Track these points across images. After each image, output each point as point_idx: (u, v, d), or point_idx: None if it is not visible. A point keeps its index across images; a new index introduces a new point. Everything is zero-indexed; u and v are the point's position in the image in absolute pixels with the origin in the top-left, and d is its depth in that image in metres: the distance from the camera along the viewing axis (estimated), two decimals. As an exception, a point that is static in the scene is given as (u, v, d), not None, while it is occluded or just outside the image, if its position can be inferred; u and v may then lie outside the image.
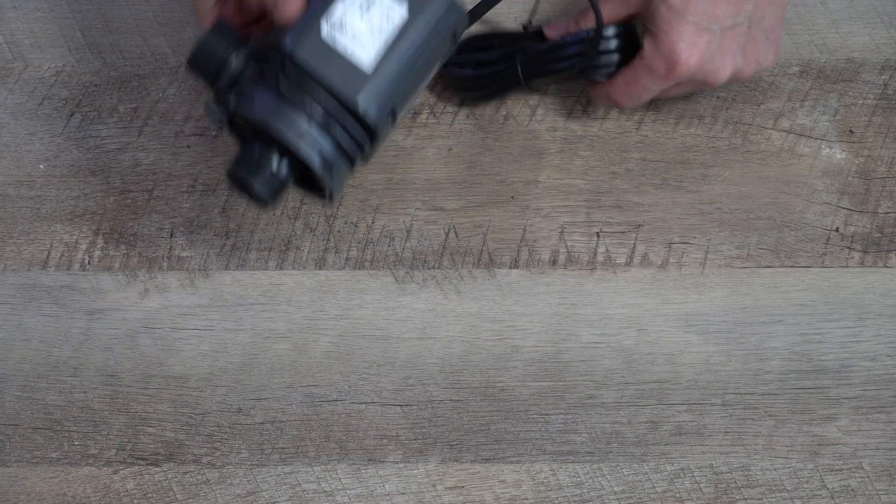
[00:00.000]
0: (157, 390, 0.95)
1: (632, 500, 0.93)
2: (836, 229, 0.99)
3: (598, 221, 0.99)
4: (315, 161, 0.86)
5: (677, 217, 0.99)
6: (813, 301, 0.97)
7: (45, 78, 1.03)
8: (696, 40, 0.93)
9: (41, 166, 1.01)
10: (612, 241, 0.99)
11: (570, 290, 0.97)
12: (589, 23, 0.97)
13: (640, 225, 0.99)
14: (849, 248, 0.99)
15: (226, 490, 0.93)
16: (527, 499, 0.93)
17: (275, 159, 0.87)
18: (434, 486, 0.93)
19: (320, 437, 0.94)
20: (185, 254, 0.99)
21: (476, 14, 0.97)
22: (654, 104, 1.02)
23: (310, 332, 0.97)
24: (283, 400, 0.95)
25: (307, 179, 0.89)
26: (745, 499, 0.93)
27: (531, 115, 1.02)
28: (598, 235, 0.99)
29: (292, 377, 0.96)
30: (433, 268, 0.98)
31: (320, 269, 0.98)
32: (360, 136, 0.87)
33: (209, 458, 0.94)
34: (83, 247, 0.99)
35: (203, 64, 0.87)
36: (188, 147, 1.01)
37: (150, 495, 0.93)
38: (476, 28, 1.02)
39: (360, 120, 0.86)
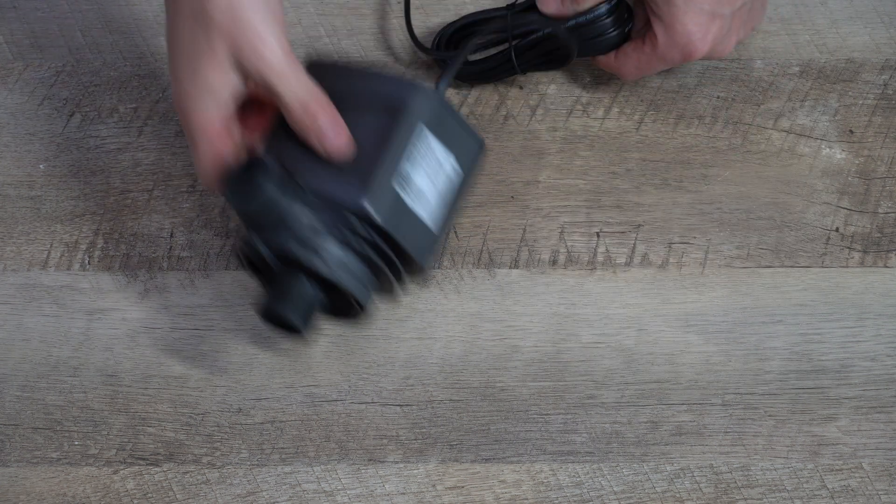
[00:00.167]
0: (157, 390, 0.95)
1: (632, 500, 0.93)
2: (836, 229, 0.99)
3: (598, 221, 0.99)
4: (365, 301, 0.88)
5: (677, 217, 0.99)
6: (813, 301, 0.97)
7: (45, 78, 1.03)
8: (709, 28, 0.94)
9: (41, 166, 1.01)
10: (612, 241, 0.99)
11: (570, 290, 0.97)
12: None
13: (640, 225, 0.99)
14: (849, 248, 0.99)
15: (226, 490, 0.93)
16: (527, 499, 0.93)
17: (309, 290, 0.87)
18: (434, 486, 0.93)
19: (320, 437, 0.94)
20: (185, 254, 0.99)
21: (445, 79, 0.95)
22: (654, 104, 1.02)
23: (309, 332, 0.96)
24: (283, 400, 0.95)
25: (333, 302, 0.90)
26: (745, 499, 0.93)
27: (531, 115, 1.02)
28: (598, 235, 0.99)
29: (292, 377, 0.96)
30: (433, 268, 0.98)
31: (320, 269, 0.98)
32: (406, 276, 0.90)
33: (209, 458, 0.94)
34: (83, 247, 0.99)
35: (265, 214, 0.84)
36: (188, 147, 1.01)
37: (150, 495, 0.93)
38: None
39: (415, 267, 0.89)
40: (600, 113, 1.02)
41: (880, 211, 1.00)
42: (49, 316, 0.97)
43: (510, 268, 0.98)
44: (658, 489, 0.93)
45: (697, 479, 0.93)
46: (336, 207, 0.85)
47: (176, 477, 0.94)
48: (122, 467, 0.94)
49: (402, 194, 0.86)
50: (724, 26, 0.95)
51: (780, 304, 0.97)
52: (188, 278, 0.98)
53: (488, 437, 0.94)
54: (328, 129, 0.85)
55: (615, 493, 0.93)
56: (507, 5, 1.01)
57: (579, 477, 0.93)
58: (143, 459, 0.94)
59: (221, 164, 0.86)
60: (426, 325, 0.96)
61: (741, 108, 1.02)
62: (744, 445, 0.94)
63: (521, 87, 1.02)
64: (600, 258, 0.98)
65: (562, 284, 0.97)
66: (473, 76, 1.01)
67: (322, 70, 0.88)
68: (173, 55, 0.85)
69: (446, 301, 0.97)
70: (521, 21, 0.99)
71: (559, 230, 0.99)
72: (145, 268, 0.98)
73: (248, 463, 0.94)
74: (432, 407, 0.94)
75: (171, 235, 0.99)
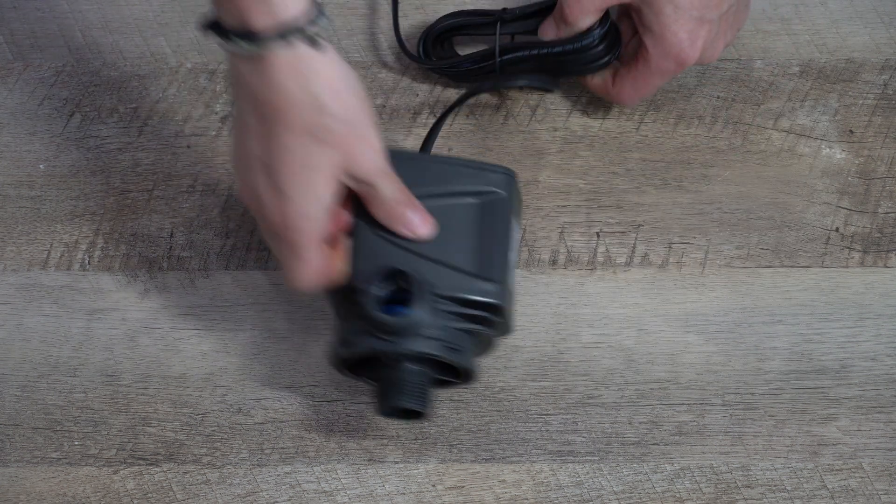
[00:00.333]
0: (157, 390, 0.95)
1: (632, 500, 0.93)
2: (836, 229, 0.99)
3: (598, 221, 0.99)
4: (476, 369, 0.90)
5: (677, 217, 0.99)
6: (813, 301, 0.97)
7: (45, 78, 1.03)
8: (698, 33, 0.94)
9: (41, 166, 1.01)
10: (612, 241, 0.99)
11: (570, 290, 0.97)
12: (574, 22, 0.96)
13: (640, 225, 0.99)
14: (849, 248, 0.99)
15: (226, 490, 0.93)
16: (527, 499, 0.93)
17: (425, 375, 0.89)
18: (434, 486, 0.93)
19: (320, 437, 0.94)
20: (185, 254, 0.99)
21: (430, 141, 0.97)
22: (654, 104, 1.02)
23: (310, 332, 0.97)
24: (283, 400, 0.95)
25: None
26: (745, 499, 0.93)
27: (531, 115, 1.02)
28: (598, 235, 0.99)
29: (292, 377, 0.96)
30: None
31: (320, 269, 0.98)
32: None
33: (209, 458, 0.94)
34: (83, 247, 0.99)
35: (409, 326, 0.87)
36: (188, 147, 1.01)
37: (150, 495, 0.93)
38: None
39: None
40: (600, 113, 1.02)
41: (880, 211, 0.99)
42: (49, 316, 0.97)
43: (510, 268, 0.98)
44: (658, 489, 0.93)
45: (697, 479, 0.93)
46: (460, 301, 0.88)
47: (176, 477, 0.93)
48: (122, 467, 0.94)
49: (510, 278, 0.91)
50: (713, 30, 0.95)
51: (780, 304, 0.97)
52: (188, 278, 0.98)
53: (488, 437, 0.94)
54: (417, 220, 0.88)
55: (615, 493, 0.93)
56: (497, 14, 1.00)
57: (579, 477, 0.93)
58: (143, 459, 0.94)
59: (328, 273, 0.87)
60: (426, 325, 0.96)
61: (741, 108, 1.02)
62: (744, 445, 0.94)
63: (520, 88, 1.02)
64: (600, 258, 0.98)
65: (562, 284, 0.97)
66: (453, 77, 1.01)
67: (395, 159, 0.89)
68: (278, 170, 0.82)
69: (446, 301, 0.97)
70: (509, 45, 0.99)
71: (559, 230, 0.99)
72: (145, 268, 0.98)
73: (248, 463, 0.94)
74: (432, 407, 0.94)
75: (171, 235, 0.99)
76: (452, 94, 1.02)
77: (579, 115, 1.02)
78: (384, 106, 1.02)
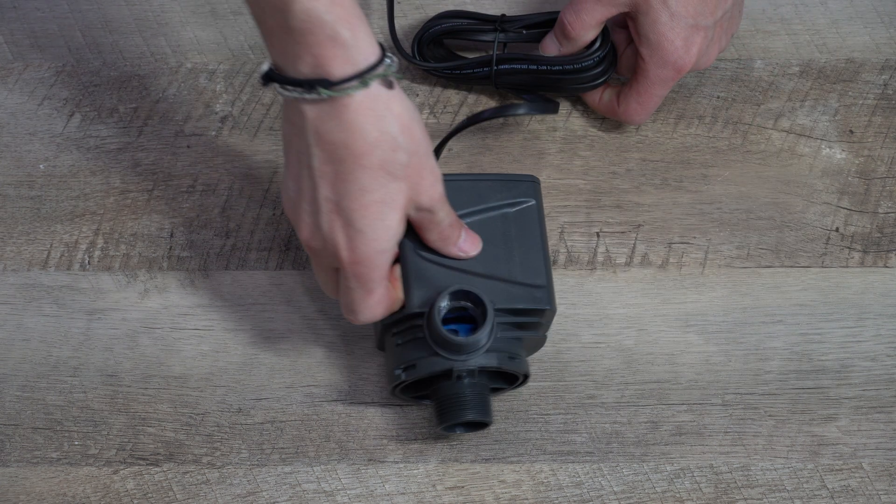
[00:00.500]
0: (157, 390, 0.95)
1: (632, 500, 0.93)
2: (836, 229, 0.99)
3: (598, 221, 0.99)
4: (529, 371, 0.92)
5: (677, 217, 0.99)
6: (813, 301, 0.97)
7: (45, 78, 1.03)
8: (694, 40, 0.95)
9: (41, 166, 1.01)
10: (612, 241, 0.99)
11: (570, 290, 0.97)
12: (576, 37, 0.97)
13: (640, 225, 0.99)
14: (849, 248, 0.99)
15: (226, 490, 0.93)
16: (527, 499, 0.93)
17: (483, 387, 0.91)
18: (434, 486, 0.93)
19: (320, 437, 0.94)
20: (185, 254, 0.99)
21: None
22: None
23: (310, 332, 0.97)
24: (283, 400, 0.95)
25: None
26: (745, 499, 0.93)
27: (531, 116, 1.02)
28: (598, 235, 0.99)
29: (292, 377, 0.96)
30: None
31: (320, 269, 0.98)
32: None
33: (209, 458, 0.94)
34: (83, 247, 0.99)
35: (474, 343, 0.89)
36: (188, 147, 1.01)
37: (150, 495, 0.93)
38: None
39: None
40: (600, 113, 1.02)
41: (880, 211, 1.00)
42: (49, 316, 0.97)
43: (510, 268, 0.98)
44: (658, 489, 0.93)
45: (697, 479, 0.93)
46: (513, 311, 0.90)
47: (176, 477, 0.93)
48: (122, 467, 0.94)
49: (552, 280, 0.92)
50: (708, 37, 0.95)
51: (780, 304, 0.97)
52: (188, 278, 0.98)
53: (488, 437, 0.94)
54: (468, 239, 0.90)
55: (615, 493, 0.93)
56: (496, 21, 1.00)
57: (579, 477, 0.93)
58: (143, 459, 0.94)
59: (392, 303, 0.88)
60: (426, 325, 0.96)
61: (741, 108, 1.02)
62: (744, 445, 0.94)
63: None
64: (600, 258, 0.98)
65: (562, 284, 0.97)
66: (447, 79, 1.02)
67: None
68: (354, 209, 0.83)
69: (446, 301, 0.97)
70: (508, 55, 0.99)
71: (559, 230, 0.99)
72: (145, 268, 0.98)
73: (248, 463, 0.94)
74: (430, 408, 0.94)
75: (171, 235, 0.99)
76: (452, 94, 1.02)
77: (579, 115, 1.02)
78: (384, 106, 1.02)
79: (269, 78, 0.82)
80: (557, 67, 0.98)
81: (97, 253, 0.98)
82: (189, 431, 0.94)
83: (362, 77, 0.80)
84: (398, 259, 0.90)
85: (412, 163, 0.83)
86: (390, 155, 0.82)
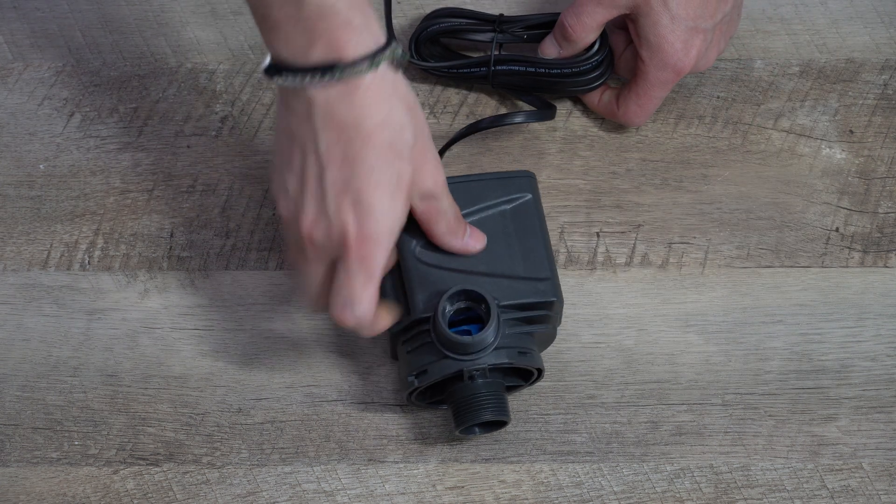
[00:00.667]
0: (157, 390, 0.95)
1: (632, 500, 0.93)
2: (836, 229, 0.99)
3: (598, 221, 0.99)
4: (543, 365, 0.92)
5: (677, 217, 0.99)
6: (813, 301, 0.97)
7: (45, 78, 1.03)
8: (693, 42, 0.95)
9: (41, 166, 1.01)
10: (612, 241, 0.99)
11: (570, 290, 0.97)
12: (577, 40, 0.97)
13: (640, 225, 0.99)
14: (849, 248, 0.99)
15: (226, 490, 0.93)
16: (527, 499, 0.93)
17: (498, 385, 0.91)
18: (434, 486, 0.93)
19: (320, 437, 0.94)
20: (185, 254, 0.99)
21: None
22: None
23: (310, 332, 0.97)
24: (283, 400, 0.95)
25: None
26: (745, 499, 0.93)
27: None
28: (598, 235, 0.99)
29: (292, 377, 0.96)
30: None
31: (320, 269, 0.98)
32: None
33: (209, 458, 0.94)
34: (83, 247, 0.99)
35: (480, 342, 0.89)
36: (188, 147, 1.01)
37: (150, 495, 0.93)
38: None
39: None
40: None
41: (880, 211, 1.00)
42: (49, 316, 0.97)
43: (510, 268, 0.98)
44: (658, 489, 0.93)
45: (697, 479, 0.93)
46: (520, 306, 0.91)
47: (176, 477, 0.93)
48: (122, 467, 0.94)
49: (556, 271, 0.93)
50: (707, 39, 0.96)
51: (780, 304, 0.97)
52: (188, 278, 0.98)
53: (488, 437, 0.94)
54: (472, 235, 0.90)
55: (615, 493, 0.93)
56: (494, 20, 1.00)
57: (579, 477, 0.93)
58: (143, 459, 0.94)
59: (392, 315, 0.89)
60: (426, 325, 0.96)
61: (741, 108, 1.02)
62: (744, 445, 0.94)
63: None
64: (600, 258, 0.98)
65: (562, 284, 0.97)
66: (443, 77, 1.02)
67: None
68: (364, 190, 0.83)
69: (446, 301, 0.97)
70: (506, 56, 0.99)
71: (559, 230, 0.99)
72: (145, 268, 0.98)
73: (248, 463, 0.94)
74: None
75: (171, 235, 0.99)
76: (452, 94, 1.02)
77: (579, 115, 1.02)
78: (384, 106, 1.02)
79: (277, 70, 0.82)
80: (556, 70, 0.98)
81: (97, 253, 0.98)
82: (189, 431, 0.94)
83: (373, 58, 0.82)
84: (398, 267, 0.90)
85: (417, 144, 0.84)
86: (398, 135, 0.83)
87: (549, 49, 0.98)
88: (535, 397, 0.95)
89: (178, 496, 0.93)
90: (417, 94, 1.02)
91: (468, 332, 0.88)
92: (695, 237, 0.99)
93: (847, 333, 0.96)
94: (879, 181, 1.00)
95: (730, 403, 0.95)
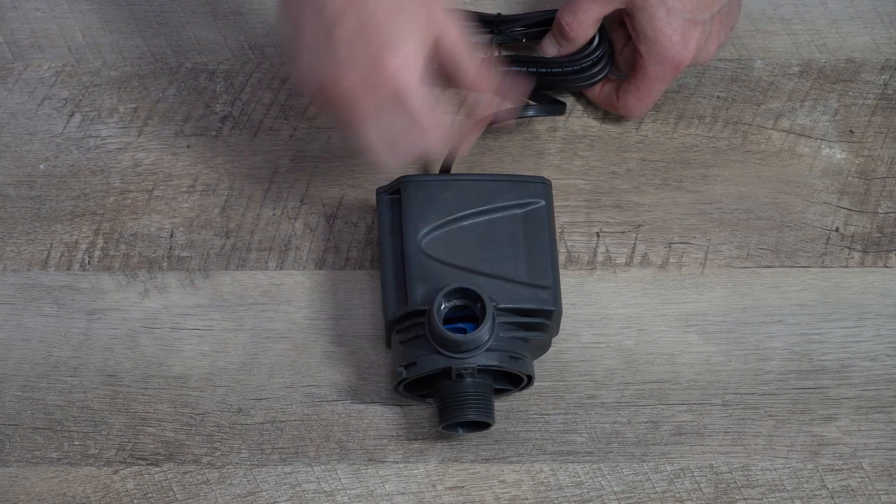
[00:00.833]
0: (157, 390, 0.95)
1: (632, 500, 0.93)
2: (836, 229, 0.99)
3: (598, 221, 0.99)
4: (533, 372, 0.92)
5: (677, 217, 0.99)
6: (813, 301, 0.97)
7: (45, 78, 1.03)
8: (691, 35, 0.95)
9: (41, 166, 1.01)
10: (612, 241, 0.99)
11: (570, 290, 0.97)
12: (575, 37, 0.97)
13: (640, 225, 0.99)
14: (849, 248, 0.99)
15: (226, 490, 0.93)
16: (527, 499, 0.93)
17: (485, 387, 0.91)
18: (434, 486, 0.93)
19: (320, 437, 0.94)
20: (185, 254, 0.99)
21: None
22: (654, 104, 1.02)
23: (310, 332, 0.97)
24: (283, 400, 0.95)
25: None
26: (745, 499, 0.93)
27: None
28: (598, 235, 0.99)
29: (292, 377, 0.96)
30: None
31: (320, 269, 0.98)
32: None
33: (209, 458, 0.94)
34: (83, 247, 0.99)
35: (475, 341, 0.89)
36: (188, 147, 1.01)
37: (150, 495, 0.93)
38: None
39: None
40: (600, 113, 1.02)
41: (880, 211, 1.00)
42: (49, 316, 0.97)
43: (510, 268, 0.98)
44: (658, 489, 0.93)
45: (697, 479, 0.93)
46: (517, 311, 0.91)
47: (176, 477, 0.93)
48: (122, 467, 0.94)
49: (559, 282, 0.93)
50: (705, 31, 0.95)
51: (780, 304, 0.97)
52: (188, 278, 0.98)
53: (488, 437, 0.94)
54: (485, 71, 0.90)
55: (615, 493, 0.93)
56: (493, 20, 1.00)
57: (579, 477, 0.93)
58: (143, 459, 0.94)
59: (445, 130, 0.89)
60: (426, 325, 0.96)
61: (741, 108, 1.02)
62: (744, 445, 0.94)
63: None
64: (600, 258, 0.98)
65: (562, 284, 0.97)
66: None
67: (424, 187, 0.93)
68: (382, 23, 0.84)
69: (446, 301, 0.97)
70: (507, 57, 0.99)
71: (559, 230, 0.99)
72: (145, 268, 0.98)
73: (248, 463, 0.94)
74: (432, 407, 0.94)
75: (171, 235, 0.99)
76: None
77: (579, 115, 1.02)
78: (384, 106, 1.02)
79: None
80: (557, 69, 0.98)
81: (97, 253, 0.98)
82: (189, 431, 0.94)
83: None
84: (402, 256, 0.90)
85: None
86: None
87: (549, 48, 0.98)
88: (535, 397, 0.95)
89: (178, 496, 0.93)
90: (417, 94, 1.02)
91: (463, 331, 0.88)
92: (695, 237, 0.99)
93: (847, 333, 0.96)
94: (879, 181, 1.00)
95: (730, 403, 0.95)
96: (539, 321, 0.91)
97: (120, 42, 1.04)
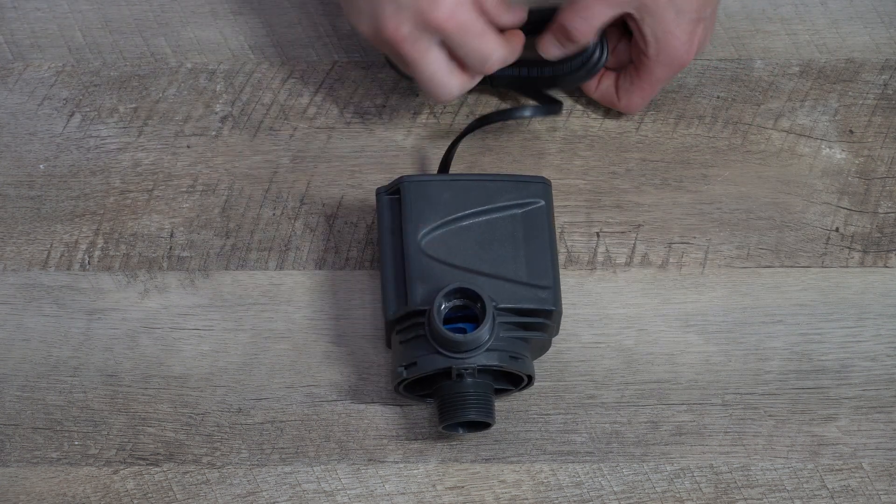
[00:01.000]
0: (157, 390, 0.95)
1: (632, 500, 0.93)
2: (836, 229, 0.99)
3: (598, 221, 0.99)
4: (533, 372, 0.92)
5: (677, 217, 0.99)
6: (813, 301, 0.97)
7: (45, 78, 1.03)
8: (696, 32, 0.95)
9: (41, 166, 1.01)
10: (612, 241, 0.99)
11: (570, 290, 0.97)
12: (580, 41, 0.97)
13: (640, 225, 0.99)
14: (849, 248, 0.99)
15: (226, 490, 0.93)
16: (527, 499, 0.93)
17: (486, 387, 0.91)
18: (434, 486, 0.93)
19: (320, 437, 0.94)
20: (185, 254, 0.99)
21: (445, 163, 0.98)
22: (654, 104, 1.02)
23: (310, 332, 0.97)
24: (283, 400, 0.95)
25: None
26: (745, 499, 0.93)
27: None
28: (598, 235, 0.99)
29: (292, 377, 0.96)
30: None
31: (320, 269, 0.98)
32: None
33: (209, 458, 0.94)
34: (83, 247, 0.99)
35: (475, 341, 0.89)
36: (188, 147, 1.01)
37: (150, 495, 0.93)
38: None
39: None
40: (600, 113, 1.02)
41: (880, 211, 1.00)
42: (49, 316, 0.97)
43: (510, 268, 0.98)
44: (658, 489, 0.93)
45: (697, 479, 0.93)
46: (517, 311, 0.91)
47: (176, 477, 0.93)
48: (122, 467, 0.94)
49: (559, 282, 0.93)
50: (707, 27, 0.96)
51: (780, 304, 0.97)
52: (188, 278, 0.98)
53: (488, 437, 0.94)
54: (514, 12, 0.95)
55: (615, 493, 0.93)
56: None
57: (579, 477, 0.93)
58: (143, 459, 0.94)
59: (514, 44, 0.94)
60: (426, 325, 0.96)
61: (741, 108, 1.02)
62: (744, 445, 0.94)
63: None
64: (600, 258, 0.98)
65: (562, 284, 0.97)
66: None
67: (424, 187, 0.93)
68: None
69: (446, 301, 0.97)
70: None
71: (559, 230, 0.99)
72: (145, 268, 0.98)
73: (248, 463, 0.94)
74: (432, 407, 0.94)
75: (171, 235, 0.99)
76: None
77: (579, 115, 1.02)
78: (384, 106, 1.02)
79: None
80: (549, 71, 0.98)
81: (97, 253, 0.98)
82: (189, 431, 0.94)
83: None
84: (402, 256, 0.91)
85: None
86: None
87: (552, 50, 0.98)
88: (535, 397, 0.95)
89: (178, 496, 0.93)
90: (417, 95, 1.02)
91: (463, 331, 0.88)
92: (695, 237, 0.99)
93: (847, 333, 0.96)
94: (879, 181, 1.00)
95: (730, 403, 0.95)
96: (539, 321, 0.91)
97: (120, 42, 1.04)
